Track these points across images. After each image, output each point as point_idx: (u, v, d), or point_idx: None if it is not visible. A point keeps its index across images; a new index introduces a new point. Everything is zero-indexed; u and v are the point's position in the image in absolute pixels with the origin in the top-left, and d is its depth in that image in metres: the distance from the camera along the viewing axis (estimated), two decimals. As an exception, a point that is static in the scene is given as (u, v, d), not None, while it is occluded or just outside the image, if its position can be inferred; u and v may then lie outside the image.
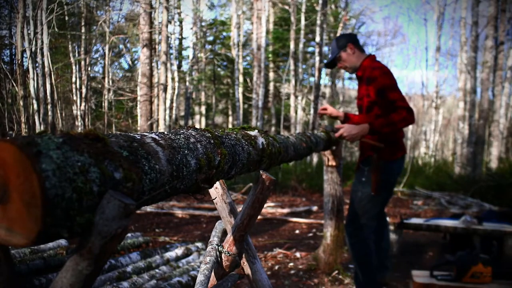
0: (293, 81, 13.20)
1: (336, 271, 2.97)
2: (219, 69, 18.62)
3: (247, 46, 17.41)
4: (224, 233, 1.45)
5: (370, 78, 2.33)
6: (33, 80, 7.28)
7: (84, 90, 11.82)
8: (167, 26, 9.31)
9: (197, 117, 18.86)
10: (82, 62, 12.22)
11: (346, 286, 2.75)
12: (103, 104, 12.57)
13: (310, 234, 4.42)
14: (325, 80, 17.57)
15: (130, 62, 17.31)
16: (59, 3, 7.97)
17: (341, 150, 3.09)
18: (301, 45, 13.35)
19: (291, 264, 3.23)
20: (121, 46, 15.36)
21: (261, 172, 1.29)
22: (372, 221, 2.42)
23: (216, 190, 1.38)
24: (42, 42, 7.79)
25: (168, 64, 10.64)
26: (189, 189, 0.86)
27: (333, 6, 16.21)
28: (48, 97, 8.27)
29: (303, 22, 13.11)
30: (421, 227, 3.51)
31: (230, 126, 19.20)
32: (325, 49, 13.49)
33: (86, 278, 0.55)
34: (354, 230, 2.43)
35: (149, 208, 5.39)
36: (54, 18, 7.85)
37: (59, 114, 10.97)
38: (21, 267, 2.44)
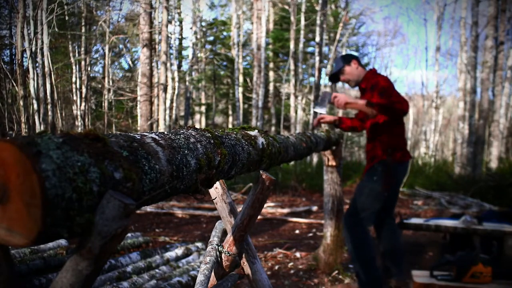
0: (293, 81, 13.20)
1: (336, 271, 2.97)
2: (219, 69, 18.62)
3: (247, 46, 17.42)
4: (224, 233, 1.45)
5: (374, 84, 2.47)
6: (33, 80, 7.28)
7: (84, 90, 11.83)
8: (167, 26, 9.31)
9: (197, 117, 18.87)
10: (82, 62, 12.23)
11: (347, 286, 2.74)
12: (103, 104, 12.57)
13: (310, 234, 4.42)
14: (325, 80, 17.59)
15: (130, 62, 17.32)
16: (59, 3, 7.97)
17: (341, 150, 3.09)
18: (301, 45, 13.35)
19: (291, 264, 3.23)
20: (121, 46, 15.36)
21: (261, 172, 1.29)
22: (372, 215, 2.52)
23: (216, 190, 1.38)
24: (42, 42, 7.79)
25: (168, 64, 10.64)
26: (189, 189, 0.86)
27: (333, 6, 16.21)
28: (48, 97, 8.27)
29: (303, 22, 13.11)
30: (421, 227, 3.51)
31: (230, 126, 19.20)
32: (325, 49, 13.51)
33: (86, 278, 0.55)
34: (354, 222, 2.48)
35: (149, 208, 5.39)
36: (54, 18, 7.85)
37: (59, 114, 10.97)
38: (21, 267, 2.44)
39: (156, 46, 11.89)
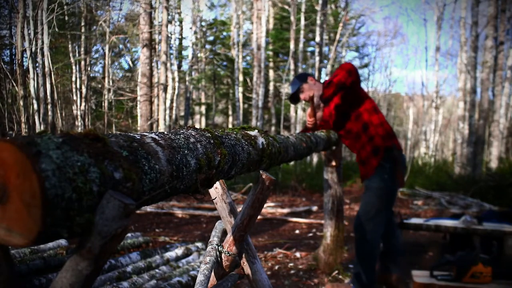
0: (293, 81, 13.16)
1: (336, 271, 2.97)
2: (219, 69, 18.62)
3: (247, 46, 17.42)
4: (224, 233, 1.45)
5: (332, 83, 2.42)
6: (33, 80, 7.28)
7: (84, 90, 11.83)
8: (167, 26, 9.31)
9: (197, 117, 18.87)
10: (82, 62, 12.23)
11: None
12: (103, 104, 12.57)
13: (310, 234, 4.42)
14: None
15: (130, 62, 17.32)
16: (59, 3, 7.97)
17: (341, 150, 3.09)
18: (301, 45, 13.35)
19: (291, 264, 3.23)
20: (121, 46, 15.36)
21: (261, 172, 1.29)
22: (388, 215, 2.50)
23: (216, 190, 1.38)
24: (42, 42, 7.79)
25: (168, 64, 10.65)
26: (189, 189, 0.86)
27: (333, 6, 16.21)
28: (48, 97, 8.27)
29: (303, 22, 13.11)
30: (421, 227, 3.51)
31: (230, 126, 19.20)
32: (325, 49, 13.50)
33: (86, 278, 0.55)
34: (372, 228, 2.41)
35: (149, 208, 5.39)
36: (54, 18, 7.85)
37: (59, 114, 10.97)
38: (21, 267, 2.44)
39: (156, 46, 11.90)
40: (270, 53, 16.51)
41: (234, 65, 14.59)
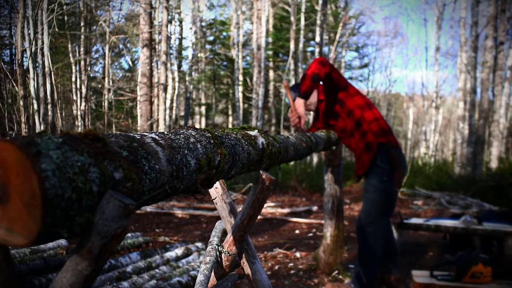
0: (293, 81, 13.19)
1: (336, 271, 2.97)
2: (219, 69, 18.62)
3: (247, 46, 17.42)
4: (224, 233, 1.45)
5: (305, 76, 2.43)
6: (33, 80, 7.28)
7: (84, 90, 11.83)
8: (167, 26, 9.31)
9: (197, 117, 18.87)
10: (82, 62, 12.23)
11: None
12: (103, 104, 12.57)
13: (310, 234, 4.42)
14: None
15: (130, 62, 17.32)
16: (59, 3, 7.97)
17: (341, 150, 3.09)
18: (301, 45, 13.35)
19: (291, 264, 3.23)
20: (121, 46, 15.36)
21: (261, 172, 1.29)
22: (390, 216, 2.46)
23: (216, 190, 1.38)
24: (42, 42, 7.79)
25: (168, 64, 10.65)
26: (189, 189, 0.86)
27: (333, 6, 16.21)
28: (48, 97, 8.27)
29: (303, 22, 13.11)
30: (421, 227, 3.51)
31: (230, 126, 19.20)
32: (325, 49, 13.50)
33: (86, 278, 0.55)
34: (374, 231, 2.37)
35: (149, 208, 5.39)
36: (54, 18, 7.85)
37: (59, 114, 10.97)
38: (21, 267, 2.44)
39: (156, 46, 11.90)
40: (270, 53, 16.51)
41: (234, 65, 14.59)
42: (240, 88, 14.38)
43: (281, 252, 3.54)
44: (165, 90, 10.25)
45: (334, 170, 3.05)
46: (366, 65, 21.05)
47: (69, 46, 12.42)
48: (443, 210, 6.09)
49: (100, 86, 13.67)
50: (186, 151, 0.81)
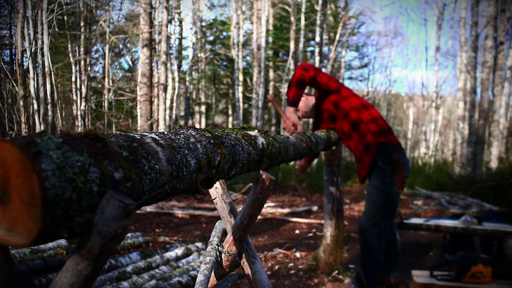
0: (293, 81, 13.16)
1: (336, 271, 2.97)
2: (219, 69, 18.62)
3: (247, 46, 17.42)
4: (224, 233, 1.45)
5: (290, 83, 2.45)
6: (33, 80, 7.28)
7: (84, 90, 11.83)
8: (167, 26, 9.31)
9: (197, 117, 18.86)
10: (82, 62, 12.23)
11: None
12: (103, 104, 12.57)
13: (310, 234, 4.42)
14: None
15: (130, 62, 17.32)
16: (59, 3, 7.97)
17: (341, 150, 3.09)
18: (301, 45, 13.35)
19: (291, 264, 3.23)
20: (121, 46, 15.36)
21: (261, 172, 1.29)
22: (393, 219, 2.44)
23: (216, 190, 1.38)
24: (42, 42, 7.79)
25: (168, 64, 10.64)
26: (189, 189, 0.86)
27: (333, 6, 16.21)
28: (48, 97, 8.27)
29: (303, 22, 13.11)
30: (421, 227, 3.51)
31: (230, 126, 19.20)
32: (325, 49, 13.50)
33: (86, 278, 0.55)
34: (377, 233, 2.35)
35: (149, 208, 5.39)
36: (54, 18, 7.85)
37: (59, 114, 10.97)
38: (21, 267, 2.44)
39: (156, 46, 11.90)
40: (270, 53, 16.51)
41: (234, 65, 14.59)
42: (240, 88, 14.38)
43: (281, 252, 3.54)
44: (165, 90, 10.25)
45: (334, 170, 3.05)
46: (366, 65, 21.05)
47: (69, 46, 12.42)
48: (443, 210, 6.09)
49: (100, 86, 13.68)
50: (186, 151, 0.81)
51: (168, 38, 9.70)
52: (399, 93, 27.96)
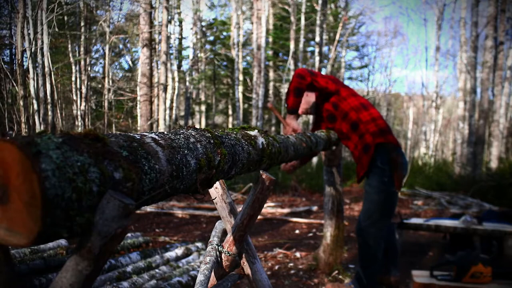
0: (292, 81, 13.16)
1: (336, 271, 2.97)
2: (219, 69, 18.63)
3: (247, 46, 17.42)
4: (224, 233, 1.45)
5: (288, 91, 2.46)
6: (33, 80, 7.28)
7: (84, 90, 11.83)
8: (167, 26, 9.31)
9: (197, 117, 18.87)
10: (82, 62, 12.23)
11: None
12: (103, 104, 12.57)
13: (310, 234, 4.42)
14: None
15: (130, 62, 17.32)
16: (59, 3, 7.97)
17: (341, 150, 3.09)
18: (301, 45, 13.35)
19: (291, 264, 3.23)
20: (121, 46, 15.36)
21: (261, 172, 1.29)
22: (391, 218, 2.43)
23: (216, 190, 1.38)
24: (42, 42, 7.79)
25: (168, 64, 10.64)
26: (189, 189, 0.86)
27: (333, 6, 16.21)
28: (48, 97, 8.27)
29: (303, 22, 13.11)
30: (421, 227, 3.51)
31: (230, 126, 19.20)
32: (325, 49, 13.50)
33: (86, 278, 0.55)
34: (374, 232, 2.35)
35: (149, 208, 5.39)
36: (54, 18, 7.85)
37: (59, 114, 10.97)
38: (21, 267, 2.44)
39: (156, 46, 11.90)
40: (270, 53, 16.51)
41: (234, 65, 14.59)
42: (240, 88, 14.38)
43: (281, 252, 3.54)
44: (165, 90, 10.25)
45: (334, 170, 3.05)
46: (366, 65, 21.05)
47: (69, 46, 12.42)
48: (443, 210, 6.09)
49: (100, 86, 13.68)
50: (186, 151, 0.81)
51: (168, 38, 9.70)
52: (399, 93, 27.97)
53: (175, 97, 13.00)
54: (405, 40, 41.59)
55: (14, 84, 7.31)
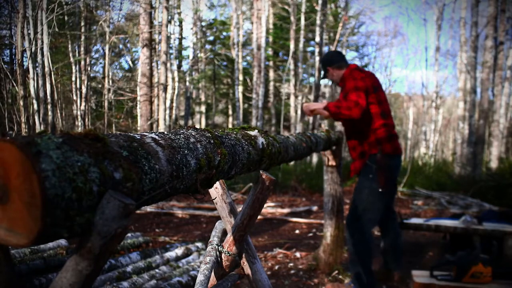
0: (293, 81, 13.20)
1: (336, 271, 2.97)
2: (219, 69, 18.62)
3: (247, 46, 17.42)
4: (224, 233, 1.45)
5: (343, 86, 2.59)
6: (33, 80, 7.28)
7: (84, 90, 11.83)
8: (167, 26, 9.31)
9: (197, 117, 18.87)
10: (82, 62, 12.23)
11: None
12: (103, 104, 12.57)
13: (310, 234, 4.42)
14: (325, 80, 17.55)
15: (130, 62, 17.32)
16: (59, 3, 7.97)
17: (341, 150, 3.09)
18: (301, 45, 13.35)
19: (291, 264, 3.23)
20: (121, 46, 15.36)
21: (261, 172, 1.28)
22: (377, 215, 2.53)
23: (216, 190, 1.38)
24: (42, 42, 7.79)
25: (168, 64, 10.64)
26: (189, 189, 0.86)
27: (333, 6, 16.21)
28: (48, 97, 8.27)
29: (303, 22, 13.11)
30: (421, 227, 3.51)
31: (230, 126, 19.20)
32: (325, 49, 13.49)
33: (86, 278, 0.55)
34: (359, 226, 2.49)
35: (149, 208, 5.39)
36: (54, 18, 7.85)
37: (59, 114, 10.97)
38: (21, 267, 2.44)
39: (156, 46, 11.89)
40: (270, 53, 16.51)
41: (234, 65, 14.59)
42: (240, 88, 14.38)
43: (281, 252, 3.54)
44: (165, 90, 10.25)
45: (334, 170, 3.05)
46: (366, 65, 21.04)
47: (69, 46, 12.42)
48: (443, 210, 6.08)
49: (100, 86, 13.68)
50: (186, 151, 0.81)
51: (168, 38, 9.70)
52: (399, 93, 27.98)
53: (175, 97, 12.99)
54: (405, 40, 41.60)
55: (14, 84, 7.32)
